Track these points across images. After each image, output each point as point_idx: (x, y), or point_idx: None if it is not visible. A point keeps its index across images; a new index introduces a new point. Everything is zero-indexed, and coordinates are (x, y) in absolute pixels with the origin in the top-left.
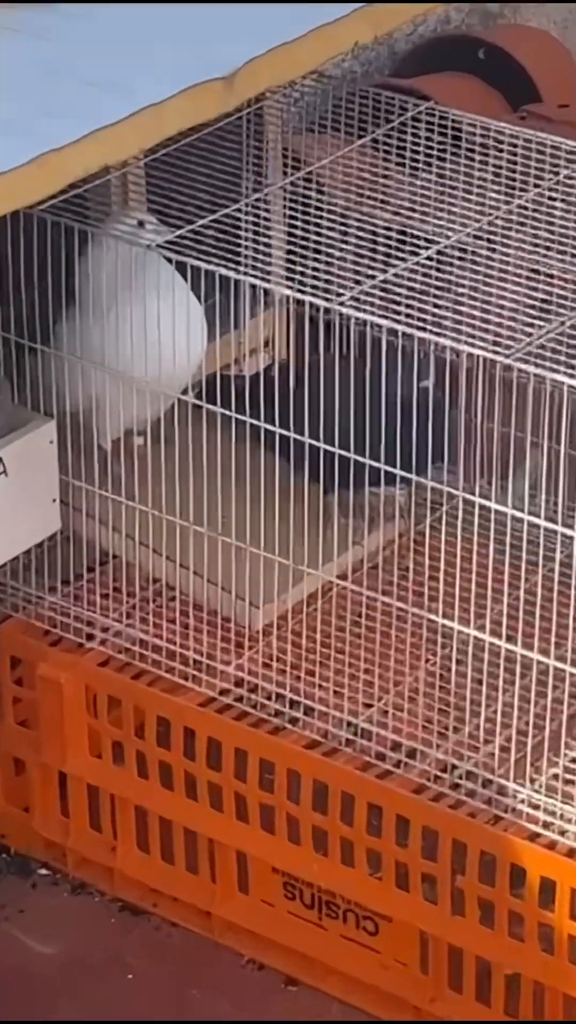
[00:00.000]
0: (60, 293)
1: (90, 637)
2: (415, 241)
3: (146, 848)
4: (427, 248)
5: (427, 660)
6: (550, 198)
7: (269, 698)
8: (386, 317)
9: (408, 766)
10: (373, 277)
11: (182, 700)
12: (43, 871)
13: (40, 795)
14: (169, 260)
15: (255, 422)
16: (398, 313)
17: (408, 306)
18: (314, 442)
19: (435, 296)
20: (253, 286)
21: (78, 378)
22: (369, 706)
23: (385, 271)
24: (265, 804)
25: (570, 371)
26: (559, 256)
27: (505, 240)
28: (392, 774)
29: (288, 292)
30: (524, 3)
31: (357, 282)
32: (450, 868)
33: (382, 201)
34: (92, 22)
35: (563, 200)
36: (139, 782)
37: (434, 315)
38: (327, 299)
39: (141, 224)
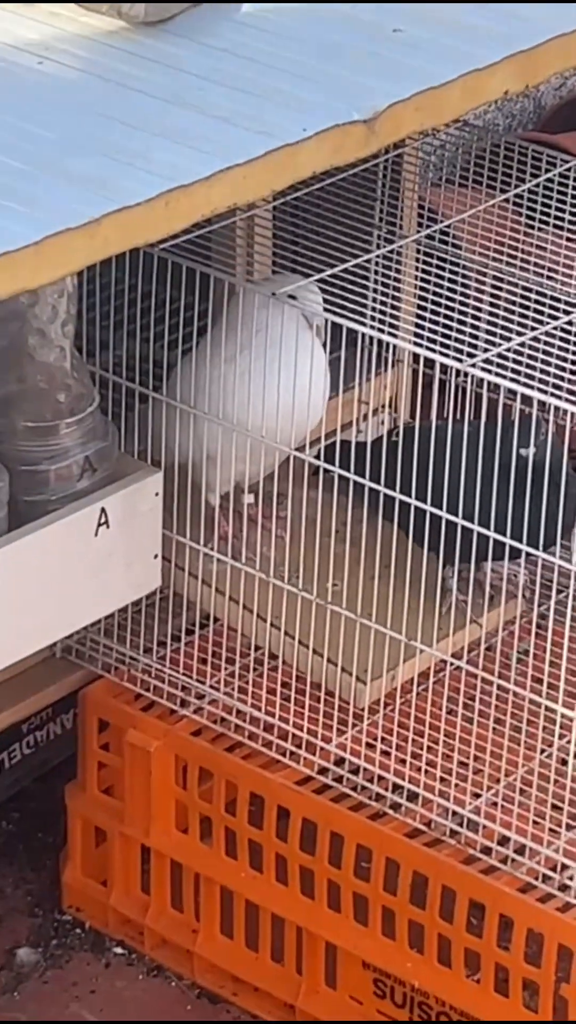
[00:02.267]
0: (177, 338)
1: (184, 704)
2: (554, 304)
3: (229, 933)
4: (568, 313)
5: (541, 751)
6: None
7: (371, 780)
8: (519, 382)
9: (516, 863)
10: (508, 339)
11: (278, 777)
12: (118, 950)
13: (120, 869)
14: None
15: (374, 486)
16: (532, 379)
17: (543, 372)
18: (434, 511)
19: (573, 363)
20: (379, 341)
21: (189, 428)
22: (477, 796)
23: (522, 334)
24: (360, 894)
25: None
26: None
27: None
28: (498, 870)
29: (415, 349)
30: None
31: (490, 343)
32: (554, 976)
33: (521, 261)
34: (227, 54)
35: None
36: (226, 861)
37: (571, 383)
38: (457, 359)
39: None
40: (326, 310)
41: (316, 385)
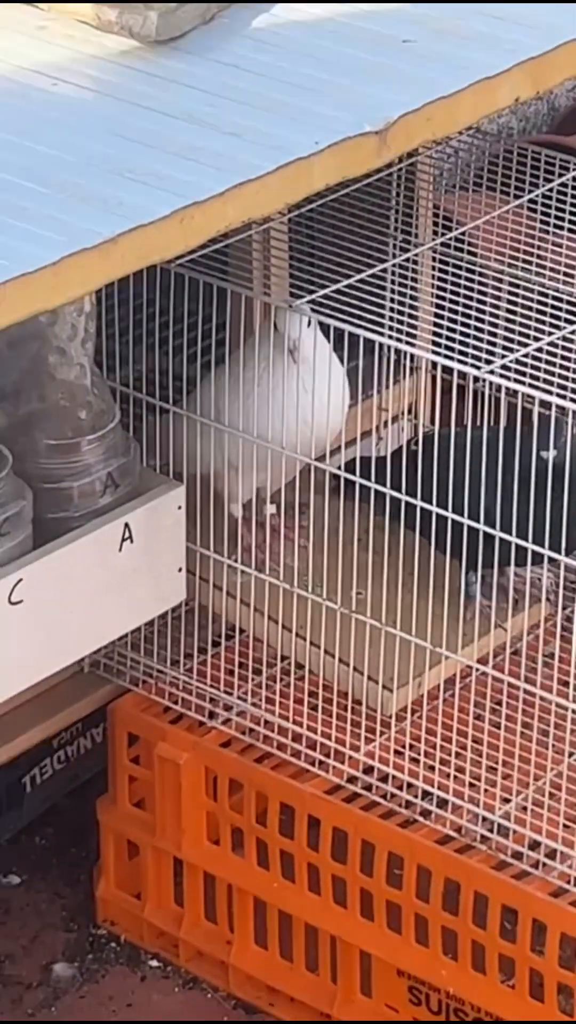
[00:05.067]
0: (196, 351)
1: (212, 716)
2: (572, 308)
3: (264, 943)
4: None
5: (570, 754)
6: None
7: (400, 788)
8: (538, 387)
9: (547, 867)
10: (525, 344)
11: (307, 786)
12: (154, 963)
13: (153, 882)
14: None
15: (395, 494)
16: (551, 384)
17: (562, 376)
18: (456, 517)
19: None
20: (397, 351)
21: (210, 441)
22: (507, 801)
23: (540, 338)
24: (392, 901)
25: None
26: None
27: None
28: (530, 875)
29: (433, 358)
30: None
31: (508, 349)
32: None
33: (538, 265)
34: (237, 70)
35: None
36: (259, 872)
37: None
38: (475, 366)
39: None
40: (344, 320)
41: (335, 395)
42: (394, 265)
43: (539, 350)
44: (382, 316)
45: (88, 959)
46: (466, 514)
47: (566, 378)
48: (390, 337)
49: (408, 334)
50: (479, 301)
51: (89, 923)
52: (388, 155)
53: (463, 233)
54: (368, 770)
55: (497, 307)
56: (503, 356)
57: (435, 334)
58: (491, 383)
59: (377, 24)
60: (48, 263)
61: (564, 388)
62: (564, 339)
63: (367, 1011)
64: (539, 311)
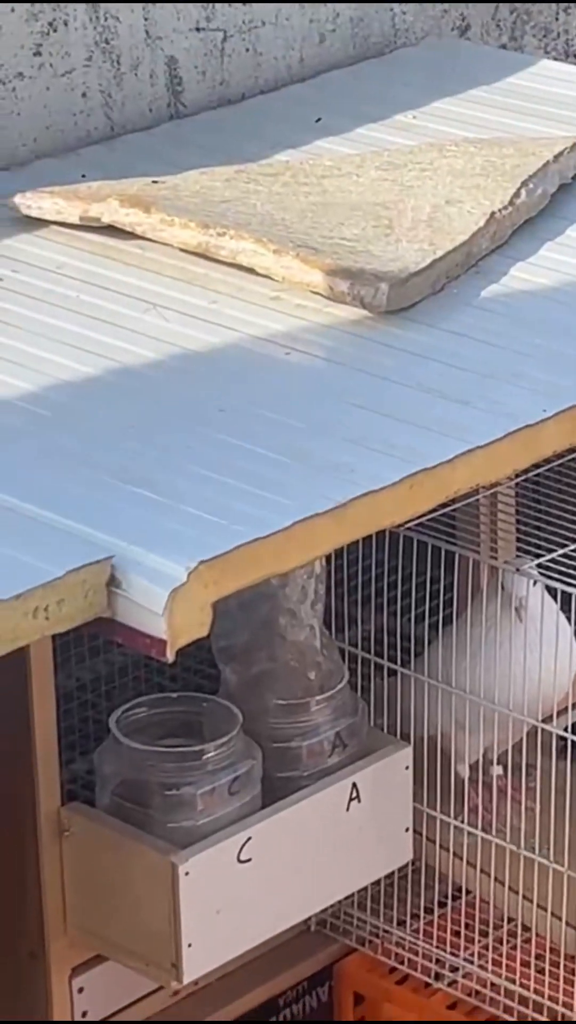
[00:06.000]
0: (424, 611)
1: (438, 977)
2: None
3: None
4: None
5: None
6: None
7: None
8: None
9: None
10: None
11: None
12: None
13: None
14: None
15: None
16: None
17: None
18: None
19: None
20: None
21: (438, 702)
22: None
23: None
24: None
25: None
26: None
27: None
28: None
29: None
30: None
31: None
32: None
33: None
34: (466, 339)
35: None
36: None
37: None
38: None
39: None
40: (570, 583)
41: (563, 655)
42: None
43: None
44: None
45: None
46: None
47: None
48: None
49: None
50: None
51: None
52: None
53: None
54: None
55: None
56: None
57: None
58: None
59: None
60: (280, 528)
61: None
62: None
63: None
64: None
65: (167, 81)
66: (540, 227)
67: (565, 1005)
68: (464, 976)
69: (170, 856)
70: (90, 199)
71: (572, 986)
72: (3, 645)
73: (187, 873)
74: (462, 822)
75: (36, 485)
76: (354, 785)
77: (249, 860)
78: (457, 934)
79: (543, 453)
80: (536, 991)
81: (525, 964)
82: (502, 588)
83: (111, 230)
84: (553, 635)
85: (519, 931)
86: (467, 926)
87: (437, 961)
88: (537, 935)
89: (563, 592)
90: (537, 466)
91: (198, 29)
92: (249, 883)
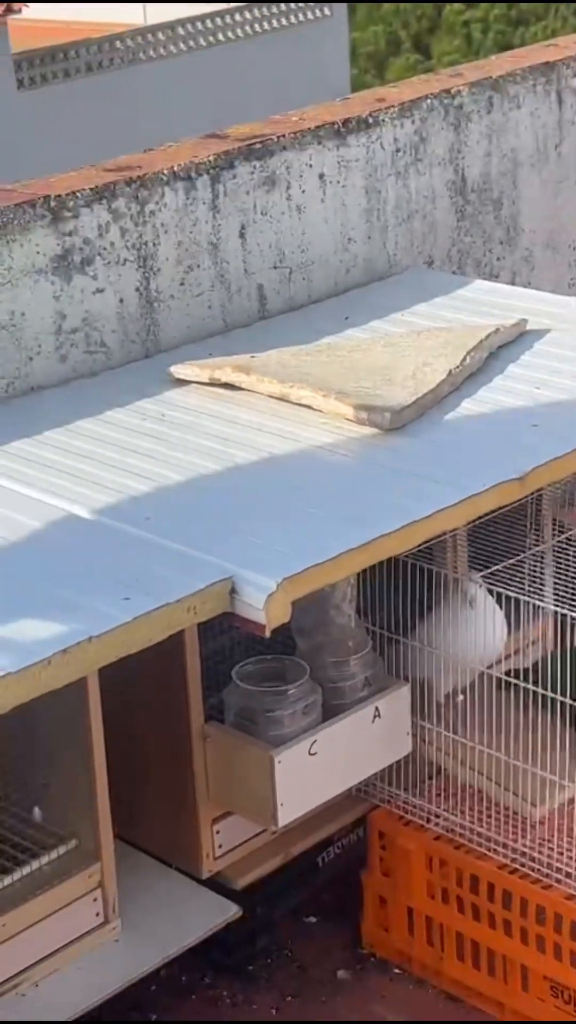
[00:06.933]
0: (415, 606)
1: (428, 820)
2: None
3: (462, 958)
4: None
5: None
6: None
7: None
8: None
9: None
10: None
11: (488, 863)
12: (396, 970)
13: (395, 921)
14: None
15: (547, 693)
16: None
17: None
18: None
19: None
20: (534, 605)
21: (425, 658)
22: None
23: None
24: (540, 934)
25: None
26: None
27: None
28: None
29: (556, 609)
30: None
31: None
32: None
33: None
34: (433, 444)
35: None
36: (459, 916)
37: None
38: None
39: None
40: (493, 586)
41: (499, 629)
42: (528, 555)
43: None
44: (522, 585)
45: (357, 968)
46: None
47: None
48: (529, 596)
49: (539, 595)
50: None
51: (357, 946)
52: (525, 492)
53: (570, 536)
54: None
55: None
56: None
57: (556, 594)
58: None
59: (513, 414)
60: (328, 558)
61: None
62: None
63: (524, 1001)
64: None
65: (258, 299)
66: (480, 378)
67: (496, 832)
68: (444, 820)
69: (269, 751)
70: (214, 368)
71: (502, 824)
72: (171, 629)
73: (280, 762)
74: (441, 728)
75: (192, 535)
76: (376, 708)
77: (316, 753)
78: (439, 795)
79: (482, 511)
80: (483, 827)
81: (478, 811)
82: (461, 590)
83: (227, 385)
84: (492, 617)
85: (475, 792)
86: (444, 790)
87: (428, 812)
88: (482, 793)
89: (497, 592)
90: (479, 518)
91: (275, 267)
92: (316, 767)
